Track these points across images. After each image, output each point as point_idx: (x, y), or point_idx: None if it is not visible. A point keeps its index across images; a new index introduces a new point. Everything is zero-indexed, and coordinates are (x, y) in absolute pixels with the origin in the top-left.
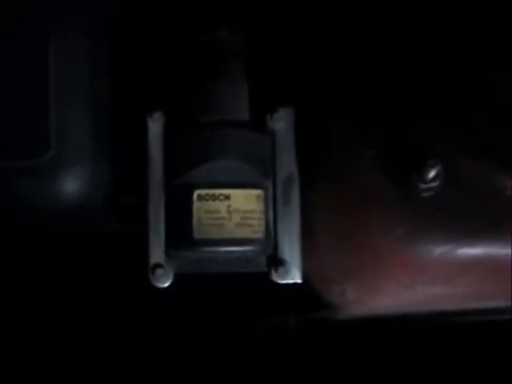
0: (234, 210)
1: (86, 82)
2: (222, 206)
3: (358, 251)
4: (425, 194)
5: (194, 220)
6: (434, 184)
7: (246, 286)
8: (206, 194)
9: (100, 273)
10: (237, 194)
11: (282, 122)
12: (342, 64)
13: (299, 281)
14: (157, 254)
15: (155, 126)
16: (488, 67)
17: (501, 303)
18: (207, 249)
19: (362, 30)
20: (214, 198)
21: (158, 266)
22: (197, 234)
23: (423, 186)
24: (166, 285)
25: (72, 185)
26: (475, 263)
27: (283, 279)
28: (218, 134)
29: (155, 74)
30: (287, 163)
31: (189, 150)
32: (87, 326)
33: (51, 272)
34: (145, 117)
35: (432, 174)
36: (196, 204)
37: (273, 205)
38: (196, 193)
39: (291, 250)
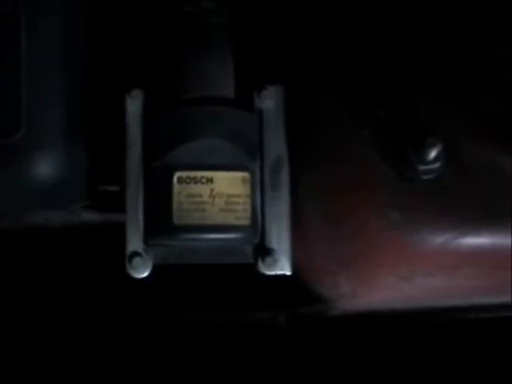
0: (217, 194)
1: (59, 60)
2: (204, 189)
3: (351, 239)
4: (424, 177)
5: (174, 205)
6: (434, 165)
7: (230, 278)
8: (187, 177)
9: (76, 264)
10: (220, 176)
11: (270, 100)
12: (335, 38)
13: (288, 272)
14: (134, 242)
15: (134, 105)
16: (493, 41)
17: (508, 298)
18: (188, 236)
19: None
20: (196, 180)
21: (135, 254)
22: (177, 220)
23: (423, 167)
24: (144, 275)
25: (43, 167)
26: (480, 254)
27: (271, 270)
28: (200, 111)
29: (133, 49)
30: (276, 145)
31: (168, 129)
32: (64, 317)
33: (25, 260)
34: (123, 95)
35: (432, 154)
36: (176, 187)
37: (260, 189)
38: (176, 175)
39: (280, 238)
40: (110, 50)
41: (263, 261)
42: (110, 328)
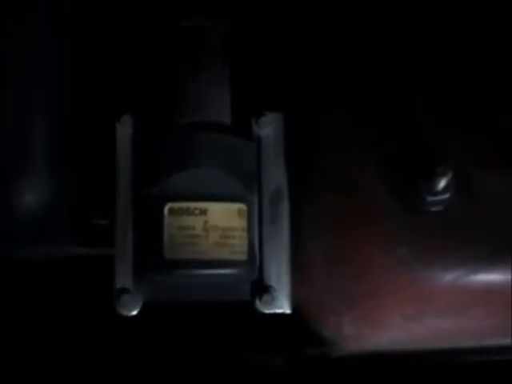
0: (211, 227)
1: (47, 85)
2: (197, 221)
3: (356, 276)
4: (433, 208)
5: (165, 238)
6: (443, 196)
7: (226, 316)
8: (179, 208)
9: (65, 300)
10: (215, 208)
11: (269, 127)
12: (337, 61)
13: (288, 311)
14: (123, 277)
15: (124, 132)
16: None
17: None
18: (180, 272)
19: (356, 22)
20: (189, 212)
21: (123, 291)
22: (168, 254)
23: (431, 198)
24: (134, 313)
25: (29, 198)
26: (492, 292)
27: (269, 309)
28: (195, 138)
29: (122, 73)
30: (275, 175)
31: (160, 157)
32: (49, 354)
33: (12, 297)
34: (113, 122)
35: (442, 183)
36: (167, 219)
37: (258, 222)
38: (167, 206)
39: (279, 275)
40: (98, 73)
41: (261, 299)
42: (98, 364)
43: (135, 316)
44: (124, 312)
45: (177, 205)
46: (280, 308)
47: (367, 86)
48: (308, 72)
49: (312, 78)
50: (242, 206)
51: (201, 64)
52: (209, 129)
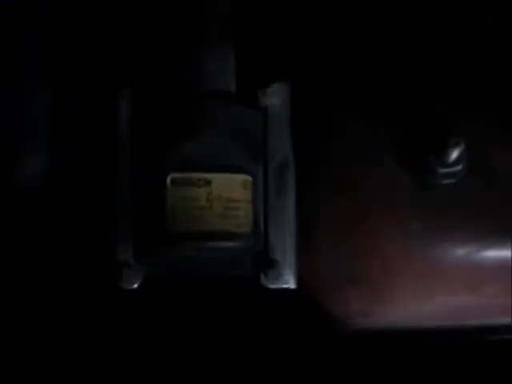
0: (215, 198)
1: None
2: (201, 192)
3: (364, 252)
4: (445, 181)
5: (168, 209)
6: (455, 168)
7: (230, 291)
8: (182, 178)
9: (64, 276)
10: (219, 179)
11: (276, 98)
12: (348, 30)
13: (293, 286)
14: (124, 251)
15: (124, 105)
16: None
17: None
18: (183, 244)
19: None
20: (192, 183)
21: (125, 264)
22: (170, 226)
23: (443, 170)
24: (135, 287)
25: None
26: (505, 268)
27: (274, 284)
28: (197, 106)
29: (124, 44)
30: (281, 146)
31: (161, 127)
32: (48, 329)
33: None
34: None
35: (454, 155)
36: (170, 190)
37: (263, 194)
38: (170, 177)
39: (284, 249)
40: (98, 46)
41: (266, 273)
42: (98, 339)
43: (136, 290)
44: (125, 286)
45: (179, 175)
46: (285, 283)
47: (376, 63)
48: (317, 42)
49: (320, 49)
50: (247, 177)
51: (201, 32)
52: (213, 97)
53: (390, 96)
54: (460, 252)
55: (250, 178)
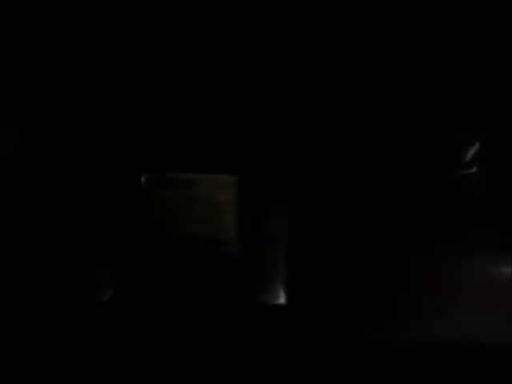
0: (197, 201)
1: None
2: (180, 194)
3: None
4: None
5: (143, 213)
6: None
7: (214, 306)
8: (159, 179)
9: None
10: (202, 179)
11: None
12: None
13: (283, 302)
14: (95, 261)
15: None
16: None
17: None
18: (159, 253)
19: None
20: (171, 183)
21: (95, 276)
22: (146, 233)
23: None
24: (106, 300)
25: None
26: None
27: (263, 299)
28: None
29: None
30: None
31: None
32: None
33: None
34: None
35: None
36: (146, 191)
37: (252, 198)
38: (145, 177)
39: (276, 260)
40: None
41: (255, 288)
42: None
43: (109, 303)
44: (96, 299)
45: (155, 175)
46: (276, 299)
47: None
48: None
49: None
50: (232, 177)
51: None
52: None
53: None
54: None
55: (235, 179)
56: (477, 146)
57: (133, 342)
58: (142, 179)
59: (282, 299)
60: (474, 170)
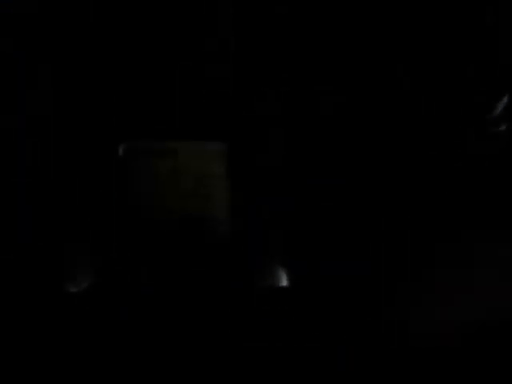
0: (182, 172)
1: None
2: (164, 165)
3: None
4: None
5: (120, 187)
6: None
7: (212, 291)
8: (139, 148)
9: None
10: (187, 148)
11: None
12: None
13: (284, 284)
14: (70, 247)
15: None
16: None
17: None
18: (140, 233)
19: None
20: (155, 153)
21: (71, 264)
22: (125, 209)
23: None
24: (83, 288)
25: None
26: None
27: (261, 282)
28: None
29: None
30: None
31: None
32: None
33: None
34: None
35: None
36: (123, 163)
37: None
38: (122, 146)
39: (273, 239)
40: None
41: (247, 271)
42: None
43: (86, 292)
44: (72, 288)
45: (136, 144)
46: (274, 282)
47: None
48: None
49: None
50: (222, 146)
51: None
52: None
53: None
54: None
55: (226, 148)
56: (505, 100)
57: (116, 330)
58: (120, 149)
59: (280, 282)
60: (504, 127)
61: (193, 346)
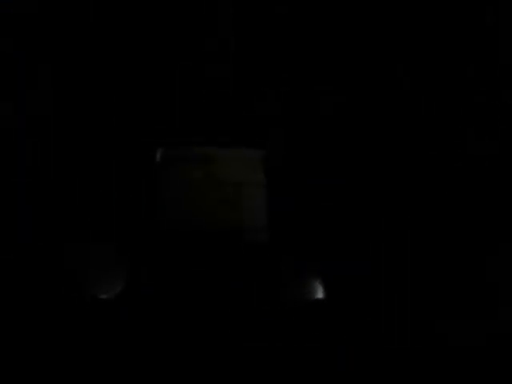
0: (216, 180)
1: None
2: (198, 172)
3: None
4: None
5: (156, 196)
6: None
7: (247, 306)
8: (175, 155)
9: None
10: (223, 156)
11: None
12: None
13: (321, 296)
14: (100, 253)
15: None
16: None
17: None
18: (173, 243)
19: None
20: (189, 160)
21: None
22: (159, 219)
23: None
24: (114, 296)
25: None
26: None
27: (296, 297)
28: None
29: None
30: None
31: None
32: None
33: None
34: None
35: None
36: (159, 170)
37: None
38: (160, 152)
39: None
40: None
41: (283, 284)
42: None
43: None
44: (102, 295)
45: (172, 151)
46: (313, 294)
47: None
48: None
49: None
50: (261, 153)
51: None
52: None
53: None
54: None
55: (263, 155)
56: None
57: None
58: (157, 156)
59: (319, 295)
60: None
61: (223, 356)
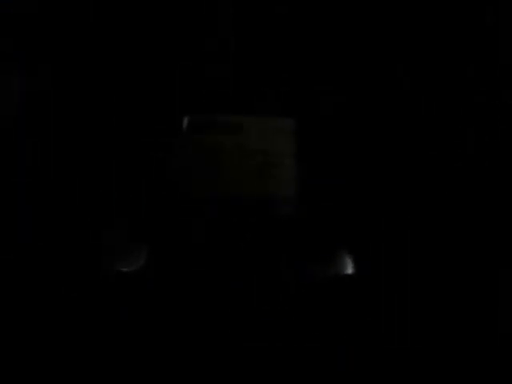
0: (246, 150)
1: None
2: (226, 141)
3: None
4: None
5: (181, 166)
6: None
7: (275, 279)
8: (203, 122)
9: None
10: (253, 124)
11: None
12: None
13: (350, 272)
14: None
15: None
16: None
17: None
18: (198, 213)
19: None
20: (216, 128)
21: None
22: (184, 189)
23: None
24: (136, 268)
25: None
26: None
27: (329, 270)
28: None
29: None
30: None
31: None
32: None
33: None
34: None
35: None
36: (187, 137)
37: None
38: (187, 119)
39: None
40: None
41: (315, 259)
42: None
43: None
44: (124, 267)
45: (199, 118)
46: (342, 270)
47: None
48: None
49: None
50: (291, 122)
51: None
52: None
53: None
54: None
55: (294, 125)
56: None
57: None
58: (184, 122)
59: (349, 270)
60: None
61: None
